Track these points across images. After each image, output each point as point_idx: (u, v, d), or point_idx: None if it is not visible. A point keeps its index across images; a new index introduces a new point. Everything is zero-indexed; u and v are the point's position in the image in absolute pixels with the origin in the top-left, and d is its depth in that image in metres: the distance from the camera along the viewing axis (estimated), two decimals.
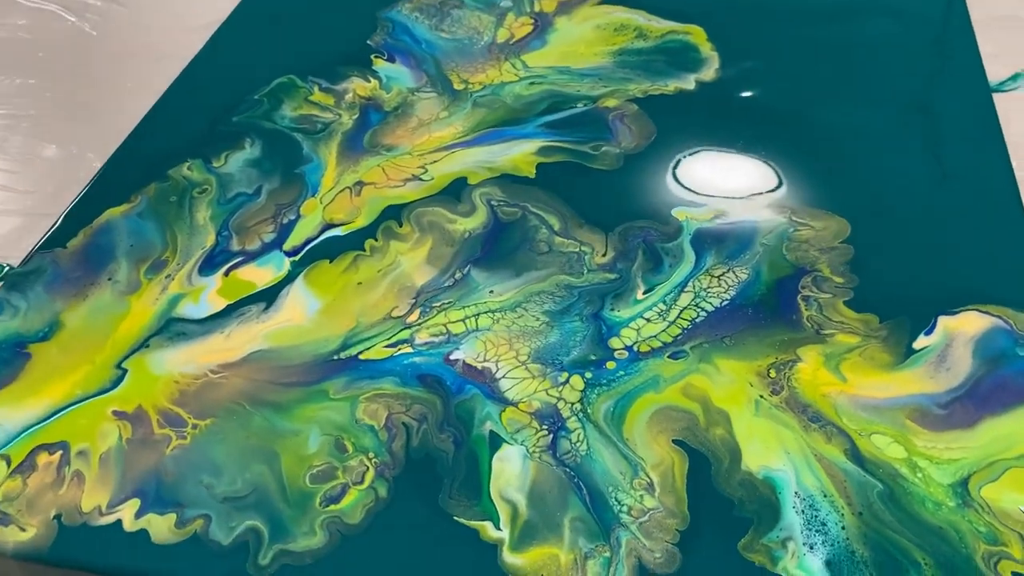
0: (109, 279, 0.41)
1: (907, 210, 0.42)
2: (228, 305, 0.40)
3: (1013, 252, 0.39)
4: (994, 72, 0.50)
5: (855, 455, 0.33)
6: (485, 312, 0.39)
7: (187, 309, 0.40)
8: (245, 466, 0.34)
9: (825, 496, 0.32)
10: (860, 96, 0.48)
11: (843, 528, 0.31)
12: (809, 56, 0.51)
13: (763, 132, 0.46)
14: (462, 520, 0.32)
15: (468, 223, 0.43)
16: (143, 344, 0.38)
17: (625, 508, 0.32)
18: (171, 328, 0.39)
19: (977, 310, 0.37)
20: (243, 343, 0.38)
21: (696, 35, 0.53)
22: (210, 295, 0.40)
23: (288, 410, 0.35)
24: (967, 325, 0.37)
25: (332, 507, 0.32)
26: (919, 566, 0.30)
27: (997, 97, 0.48)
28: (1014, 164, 0.43)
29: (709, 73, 0.51)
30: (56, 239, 0.43)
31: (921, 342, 0.36)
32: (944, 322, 0.37)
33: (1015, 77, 0.50)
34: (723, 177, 0.44)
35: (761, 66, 0.51)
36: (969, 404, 0.34)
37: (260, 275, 0.41)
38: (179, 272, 0.41)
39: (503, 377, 0.36)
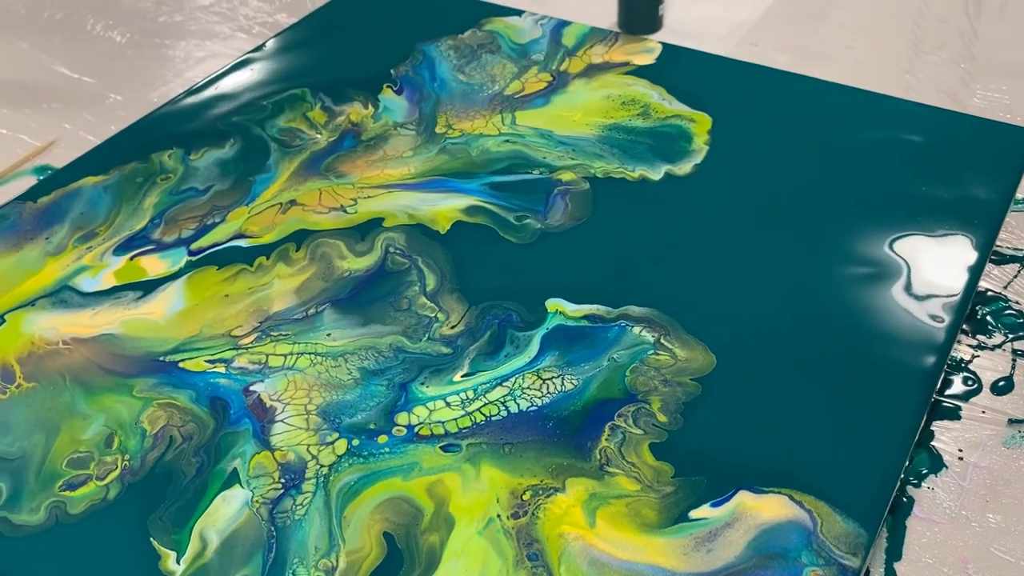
0: (46, 238, 0.46)
1: (788, 367, 0.37)
2: (114, 286, 0.43)
3: (868, 450, 0.34)
4: None
5: None
6: (310, 353, 0.39)
7: (83, 281, 0.44)
8: (30, 432, 0.37)
9: None
10: (829, 242, 0.43)
11: None
12: (805, 182, 0.46)
13: (698, 242, 0.43)
14: (155, 543, 0.33)
15: (357, 263, 0.43)
16: (31, 302, 0.43)
17: None
18: (60, 294, 0.43)
19: (790, 496, 0.33)
20: (102, 323, 0.41)
21: (699, 124, 0.50)
22: (107, 274, 0.44)
23: (93, 394, 0.38)
24: (765, 509, 0.32)
25: (66, 493, 0.35)
26: None
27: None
28: None
29: (685, 167, 0.48)
30: (33, 193, 0.49)
31: (701, 512, 0.32)
32: (742, 498, 0.33)
33: None
34: (619, 280, 0.41)
35: (744, 175, 0.47)
36: None
37: (157, 266, 0.44)
38: (100, 247, 0.45)
39: (281, 420, 0.37)
